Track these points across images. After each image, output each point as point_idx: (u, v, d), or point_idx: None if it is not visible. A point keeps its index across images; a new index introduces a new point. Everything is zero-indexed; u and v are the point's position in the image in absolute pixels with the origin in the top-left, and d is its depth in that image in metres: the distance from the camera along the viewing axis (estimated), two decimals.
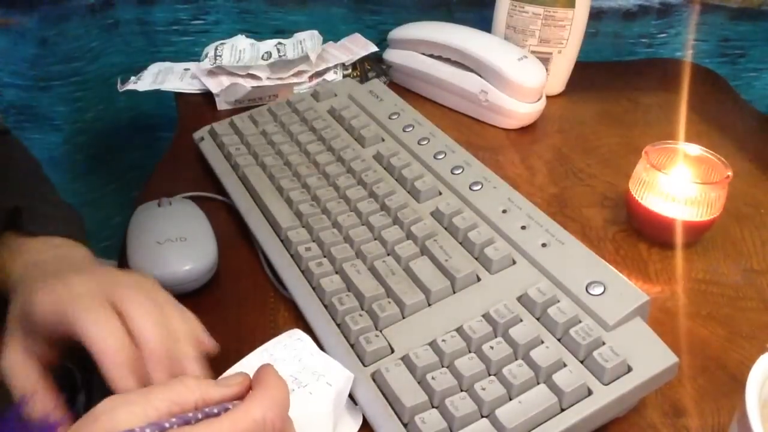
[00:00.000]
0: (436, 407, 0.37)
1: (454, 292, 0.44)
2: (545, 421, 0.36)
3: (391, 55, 0.78)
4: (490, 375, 0.38)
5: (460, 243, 0.47)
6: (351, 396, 0.39)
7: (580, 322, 0.40)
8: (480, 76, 0.71)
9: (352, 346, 0.41)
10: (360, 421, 0.39)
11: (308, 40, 0.76)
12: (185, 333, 0.37)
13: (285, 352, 0.41)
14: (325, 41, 0.78)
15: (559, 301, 0.42)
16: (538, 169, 0.65)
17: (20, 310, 0.36)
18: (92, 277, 0.37)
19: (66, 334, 0.34)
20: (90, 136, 0.86)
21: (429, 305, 0.43)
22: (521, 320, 0.41)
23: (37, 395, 0.35)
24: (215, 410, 0.31)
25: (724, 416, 0.41)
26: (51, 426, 0.29)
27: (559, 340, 0.40)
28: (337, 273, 0.46)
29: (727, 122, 0.74)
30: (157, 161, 0.64)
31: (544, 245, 0.45)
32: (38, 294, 0.35)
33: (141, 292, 0.37)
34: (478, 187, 0.51)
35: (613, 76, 0.85)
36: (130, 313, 0.35)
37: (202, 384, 0.32)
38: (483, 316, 0.41)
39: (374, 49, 0.77)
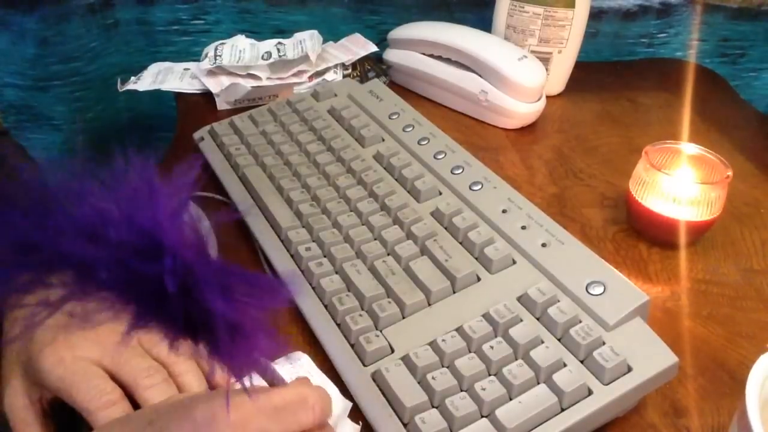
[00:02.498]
0: (436, 407, 0.37)
1: (454, 292, 0.44)
2: (545, 421, 0.36)
3: (391, 55, 0.78)
4: (490, 375, 0.38)
5: (460, 243, 0.47)
6: (353, 401, 0.39)
7: (580, 322, 0.40)
8: (480, 76, 0.71)
9: (352, 346, 0.41)
10: None
11: (308, 40, 0.76)
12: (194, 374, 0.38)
13: (282, 371, 0.41)
14: (325, 41, 0.78)
15: (559, 301, 0.42)
16: (538, 169, 0.65)
17: (24, 363, 0.37)
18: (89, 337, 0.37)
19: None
20: (90, 136, 0.86)
21: (429, 305, 0.43)
22: (521, 320, 0.41)
23: None
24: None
25: (724, 416, 0.41)
26: None
27: (559, 340, 0.40)
28: (337, 273, 0.46)
29: (727, 122, 0.74)
30: (157, 161, 0.64)
31: (544, 245, 0.45)
32: (43, 359, 0.36)
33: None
34: (478, 187, 0.51)
35: (613, 76, 0.85)
36: (130, 383, 0.36)
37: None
38: (483, 316, 0.41)
39: (374, 49, 0.77)
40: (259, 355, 0.26)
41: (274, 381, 0.31)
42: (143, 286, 0.23)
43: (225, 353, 0.25)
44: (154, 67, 0.78)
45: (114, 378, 0.36)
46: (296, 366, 0.41)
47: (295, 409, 0.30)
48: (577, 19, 0.73)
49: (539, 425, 0.36)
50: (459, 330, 0.41)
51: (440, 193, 0.52)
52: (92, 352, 0.36)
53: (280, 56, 0.73)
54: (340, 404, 0.39)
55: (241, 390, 0.29)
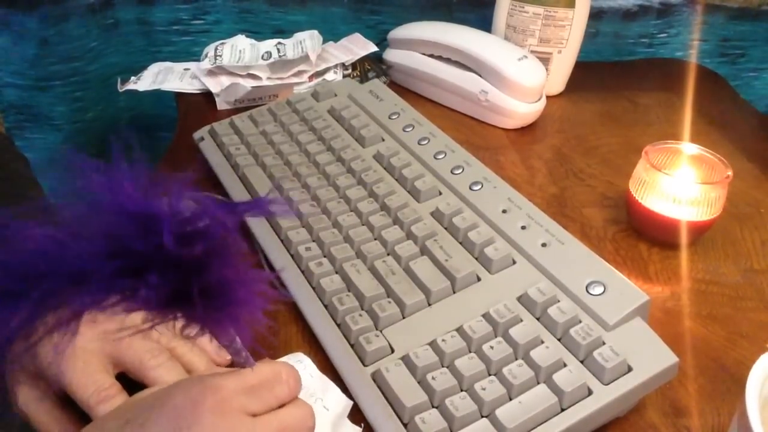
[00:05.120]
0: (436, 407, 0.37)
1: (454, 292, 0.44)
2: (545, 421, 0.36)
3: (391, 55, 0.78)
4: (490, 375, 0.38)
5: (460, 243, 0.47)
6: (353, 401, 0.39)
7: (580, 322, 0.40)
8: (480, 76, 0.71)
9: (352, 346, 0.41)
10: None
11: (308, 40, 0.76)
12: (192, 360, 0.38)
13: None
14: (325, 41, 0.78)
15: (559, 301, 0.42)
16: (538, 169, 0.65)
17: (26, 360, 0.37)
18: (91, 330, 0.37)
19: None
20: (90, 136, 0.86)
21: (429, 305, 0.43)
22: (521, 320, 0.41)
23: (58, 426, 0.37)
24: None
25: (724, 416, 0.41)
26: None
27: (559, 340, 0.40)
28: (337, 273, 0.46)
29: (727, 122, 0.74)
30: (157, 161, 0.64)
31: (544, 245, 0.45)
32: (44, 354, 0.36)
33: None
34: (478, 187, 0.51)
35: (613, 76, 0.85)
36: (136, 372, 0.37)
37: None
38: (483, 316, 0.41)
39: (374, 49, 0.77)
40: (247, 314, 0.27)
41: (246, 363, 0.31)
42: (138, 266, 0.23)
43: (214, 318, 0.26)
44: (154, 67, 0.78)
45: (117, 364, 0.37)
46: (297, 367, 0.41)
47: (271, 385, 0.31)
48: (577, 19, 0.73)
49: (539, 425, 0.36)
50: (459, 330, 0.41)
51: (440, 193, 0.52)
52: (92, 343, 0.36)
53: (280, 56, 0.73)
54: (341, 403, 0.39)
55: (216, 374, 0.30)
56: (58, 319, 0.24)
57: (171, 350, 0.38)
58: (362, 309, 0.43)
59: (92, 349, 0.36)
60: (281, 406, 0.32)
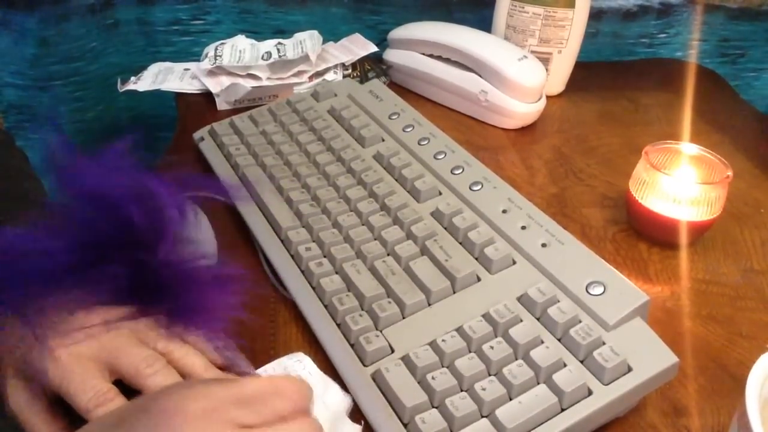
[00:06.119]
0: (436, 407, 0.37)
1: (454, 292, 0.44)
2: (545, 421, 0.36)
3: (391, 55, 0.78)
4: (490, 375, 0.38)
5: (460, 243, 0.47)
6: (353, 401, 0.39)
7: (580, 322, 0.40)
8: (480, 76, 0.71)
9: (352, 346, 0.41)
10: None
11: (308, 40, 0.76)
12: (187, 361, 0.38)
13: (284, 372, 0.41)
14: (325, 41, 0.78)
15: (559, 301, 0.42)
16: (538, 169, 0.65)
17: (19, 361, 0.37)
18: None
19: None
20: (90, 136, 0.86)
21: (429, 305, 0.43)
22: (521, 320, 0.41)
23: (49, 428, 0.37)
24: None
25: (724, 416, 0.41)
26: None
27: (559, 340, 0.40)
28: (337, 273, 0.46)
29: (727, 122, 0.74)
30: (157, 161, 0.64)
31: (544, 245, 0.45)
32: (39, 357, 0.36)
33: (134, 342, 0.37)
34: (478, 187, 0.51)
35: (613, 76, 0.85)
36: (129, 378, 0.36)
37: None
38: (483, 316, 0.41)
39: (374, 49, 0.77)
40: (223, 307, 0.27)
41: (245, 372, 0.31)
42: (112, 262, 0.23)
43: (191, 310, 0.25)
44: (154, 67, 0.78)
45: (113, 371, 0.37)
46: (297, 366, 0.41)
47: (266, 398, 0.31)
48: (577, 19, 0.73)
49: (539, 425, 0.36)
50: (459, 330, 0.41)
51: (440, 193, 0.52)
52: (88, 348, 0.36)
53: (280, 56, 0.73)
54: (342, 402, 0.39)
55: (211, 381, 0.29)
56: (29, 323, 0.23)
57: (168, 355, 0.38)
58: (362, 309, 0.43)
59: (89, 356, 0.36)
60: (284, 421, 0.31)
